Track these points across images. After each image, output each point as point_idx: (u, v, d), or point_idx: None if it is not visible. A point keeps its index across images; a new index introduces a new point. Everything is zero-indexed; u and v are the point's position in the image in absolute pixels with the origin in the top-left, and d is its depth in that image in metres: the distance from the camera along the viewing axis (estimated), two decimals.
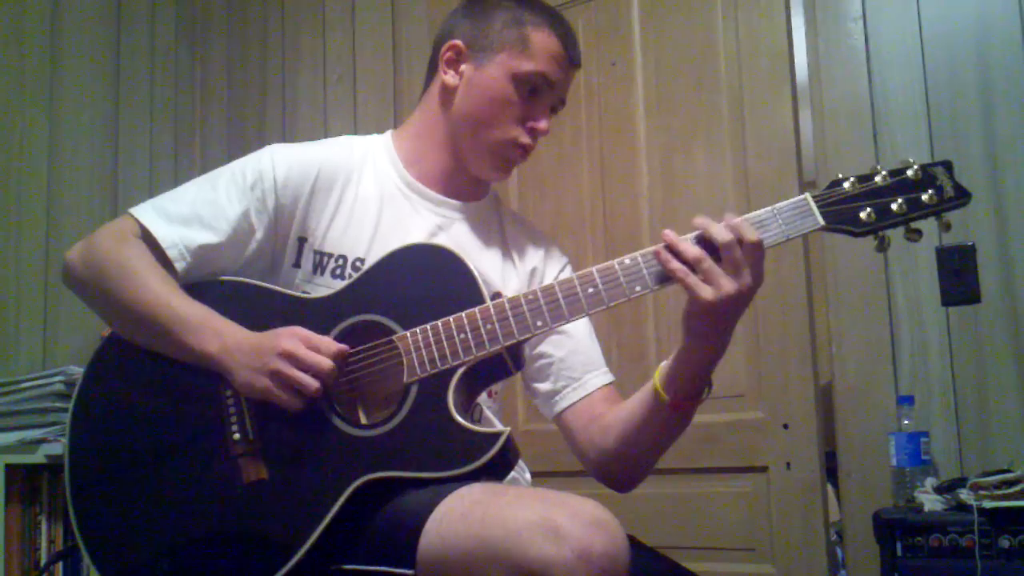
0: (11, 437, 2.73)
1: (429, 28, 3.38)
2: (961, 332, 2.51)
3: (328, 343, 1.37)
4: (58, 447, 2.65)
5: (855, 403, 2.63)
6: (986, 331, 2.48)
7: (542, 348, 1.62)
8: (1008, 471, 2.16)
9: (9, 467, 2.72)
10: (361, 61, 3.61)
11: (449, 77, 1.59)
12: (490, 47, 1.57)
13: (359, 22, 3.64)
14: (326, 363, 1.34)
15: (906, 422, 2.42)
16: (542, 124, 1.57)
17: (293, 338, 1.36)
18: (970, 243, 2.46)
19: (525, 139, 1.57)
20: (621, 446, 1.51)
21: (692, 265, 1.30)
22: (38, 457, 2.68)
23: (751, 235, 1.30)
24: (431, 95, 1.63)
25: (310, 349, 1.35)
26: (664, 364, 1.44)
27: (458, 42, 1.59)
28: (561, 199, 3.19)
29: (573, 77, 1.63)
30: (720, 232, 1.30)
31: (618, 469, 1.55)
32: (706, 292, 1.29)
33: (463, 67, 1.58)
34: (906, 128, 2.63)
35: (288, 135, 3.70)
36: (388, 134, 1.67)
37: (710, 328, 1.35)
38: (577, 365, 1.62)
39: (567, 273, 1.69)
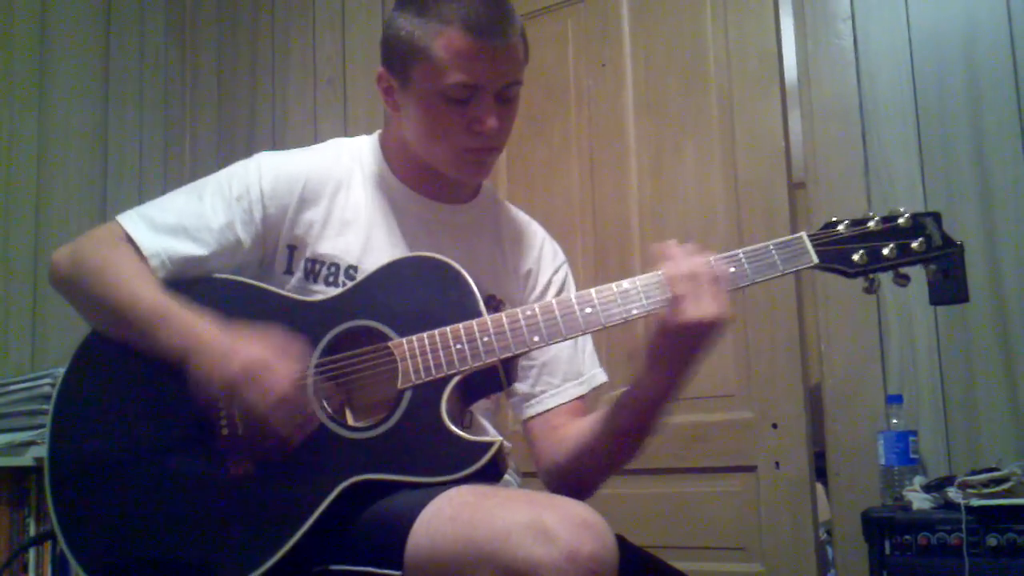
0: None
1: None
2: (949, 331, 2.52)
3: (288, 366, 1.33)
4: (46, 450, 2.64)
5: (844, 402, 2.64)
6: (974, 330, 2.48)
7: None
8: (996, 469, 2.17)
9: None
10: (351, 64, 3.61)
11: (389, 106, 1.56)
12: (404, 68, 1.48)
13: (349, 24, 3.64)
14: (280, 389, 1.31)
15: (895, 421, 2.43)
16: (487, 125, 1.45)
17: (261, 350, 1.33)
18: (959, 242, 2.47)
19: (475, 143, 1.49)
20: (571, 463, 1.51)
21: (691, 277, 1.31)
22: (26, 460, 2.67)
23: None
24: (390, 116, 1.60)
25: (274, 365, 1.32)
26: (621, 392, 1.44)
27: (381, 70, 1.54)
28: (551, 200, 3.19)
29: (511, 52, 1.46)
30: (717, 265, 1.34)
31: (564, 484, 1.53)
32: (707, 306, 1.29)
33: (395, 94, 1.53)
34: (894, 128, 2.64)
35: (278, 138, 3.69)
36: (376, 136, 1.66)
37: (688, 351, 1.34)
38: (558, 372, 1.61)
39: (561, 275, 1.69)
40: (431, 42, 1.42)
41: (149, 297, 1.41)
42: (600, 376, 1.66)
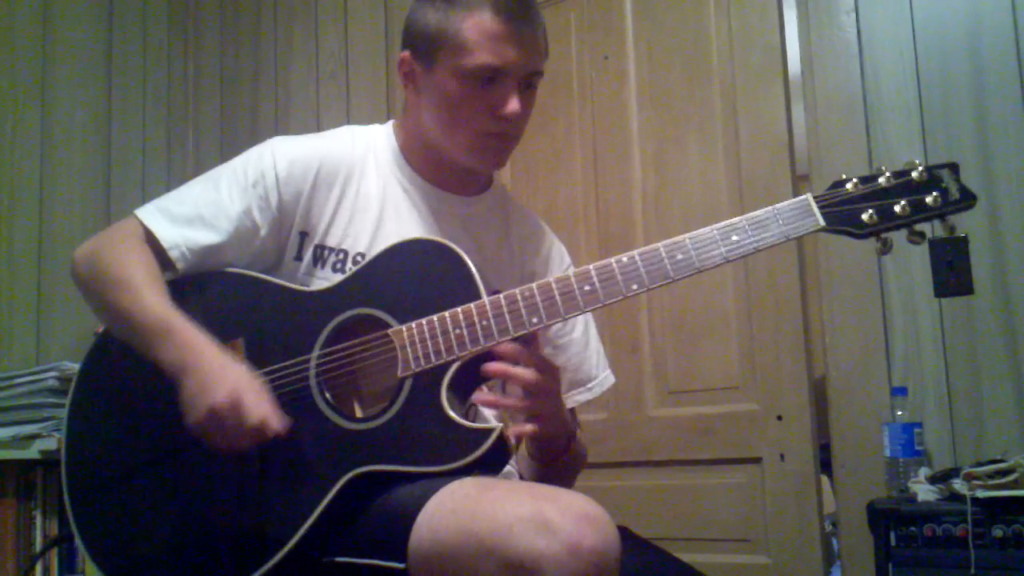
0: (5, 433, 2.73)
1: None
2: (954, 323, 2.51)
3: (260, 418, 1.30)
4: (52, 442, 2.65)
5: (849, 394, 2.63)
6: (979, 322, 2.48)
7: None
8: (1001, 461, 2.16)
9: (3, 463, 2.72)
10: (354, 55, 3.61)
11: (409, 91, 1.56)
12: (430, 50, 1.49)
13: (352, 16, 3.63)
14: (242, 442, 1.31)
15: (900, 413, 2.43)
16: (510, 108, 1.46)
17: (231, 396, 1.30)
18: (963, 234, 2.47)
19: (496, 127, 1.49)
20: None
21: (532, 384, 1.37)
22: (32, 452, 2.68)
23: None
24: (408, 103, 1.60)
25: (241, 415, 1.29)
26: None
27: (405, 54, 1.54)
28: (554, 193, 3.18)
29: (537, 40, 1.49)
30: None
31: None
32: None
33: (417, 77, 1.53)
34: (899, 121, 2.63)
35: (281, 130, 3.68)
36: (389, 125, 1.66)
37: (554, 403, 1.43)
38: (563, 380, 1.58)
39: None
40: (461, 24, 1.45)
41: (155, 310, 1.39)
42: (608, 380, 1.65)
